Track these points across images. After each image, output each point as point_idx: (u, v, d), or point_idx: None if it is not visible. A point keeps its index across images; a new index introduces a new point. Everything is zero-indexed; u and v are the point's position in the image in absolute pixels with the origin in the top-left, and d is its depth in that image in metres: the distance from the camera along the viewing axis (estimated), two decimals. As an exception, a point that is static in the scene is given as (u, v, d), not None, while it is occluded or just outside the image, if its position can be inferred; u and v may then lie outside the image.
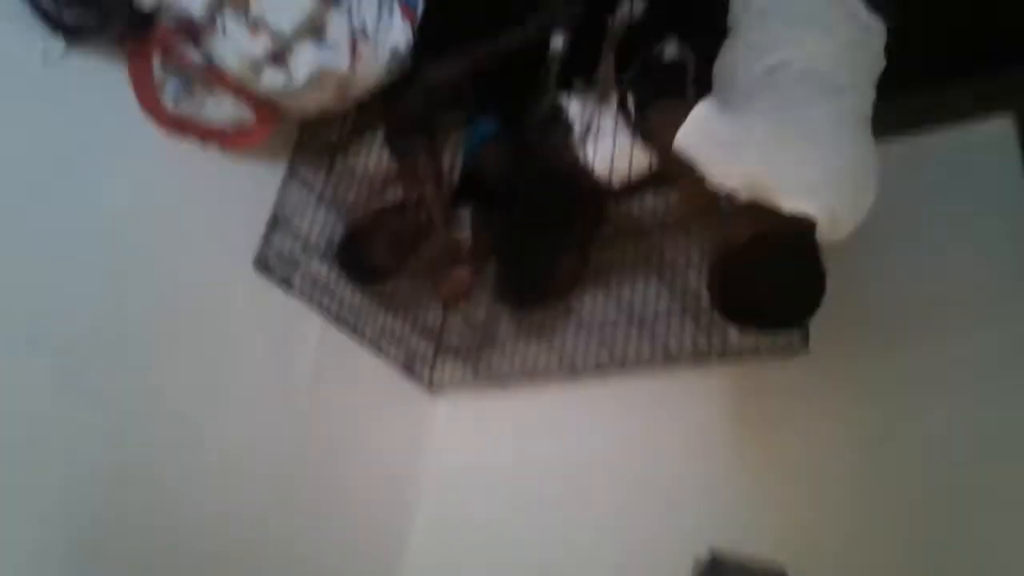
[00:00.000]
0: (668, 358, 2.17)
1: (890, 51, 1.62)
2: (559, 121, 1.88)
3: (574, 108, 1.91)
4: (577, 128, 1.88)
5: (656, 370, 2.19)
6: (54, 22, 1.69)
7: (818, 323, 1.96)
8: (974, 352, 1.89)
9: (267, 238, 2.07)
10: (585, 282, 2.28)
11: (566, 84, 1.96)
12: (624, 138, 1.82)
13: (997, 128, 2.12)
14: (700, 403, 2.14)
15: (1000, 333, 1.89)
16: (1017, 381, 1.83)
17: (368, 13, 1.80)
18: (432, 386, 2.48)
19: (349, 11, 1.77)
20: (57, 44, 1.71)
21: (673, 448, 2.13)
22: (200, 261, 1.94)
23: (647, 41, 1.85)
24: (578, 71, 1.96)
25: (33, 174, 1.66)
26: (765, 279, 1.50)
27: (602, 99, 1.90)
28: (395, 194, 2.14)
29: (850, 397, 1.98)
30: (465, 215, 2.13)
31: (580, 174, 1.88)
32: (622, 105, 1.81)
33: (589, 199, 2.04)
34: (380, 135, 2.10)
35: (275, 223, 2.09)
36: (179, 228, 1.91)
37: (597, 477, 2.18)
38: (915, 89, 2.04)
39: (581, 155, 1.85)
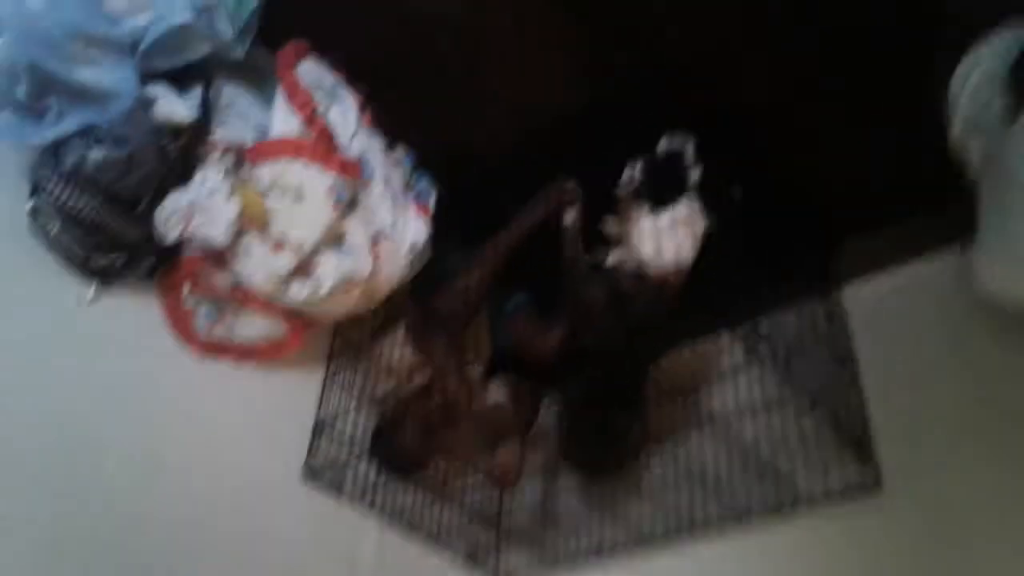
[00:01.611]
0: (738, 516, 2.08)
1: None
2: (599, 270, 1.89)
3: (610, 257, 1.92)
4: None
5: (728, 530, 2.09)
6: (84, 268, 1.75)
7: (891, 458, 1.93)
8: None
9: (313, 446, 2.05)
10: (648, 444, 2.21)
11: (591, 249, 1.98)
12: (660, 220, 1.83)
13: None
14: (776, 559, 2.01)
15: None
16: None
17: (384, 214, 1.85)
18: (500, 574, 2.37)
19: (366, 216, 1.82)
20: (89, 287, 1.77)
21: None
22: (247, 481, 1.92)
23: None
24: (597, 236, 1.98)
25: (78, 416, 1.68)
26: None
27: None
28: (420, 380, 2.12)
29: (928, 535, 1.85)
30: (499, 387, 2.10)
31: (641, 287, 1.86)
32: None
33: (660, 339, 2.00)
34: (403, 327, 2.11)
35: (320, 429, 2.08)
36: (223, 449, 1.91)
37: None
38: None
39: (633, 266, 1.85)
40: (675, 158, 1.90)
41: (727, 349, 2.04)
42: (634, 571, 2.21)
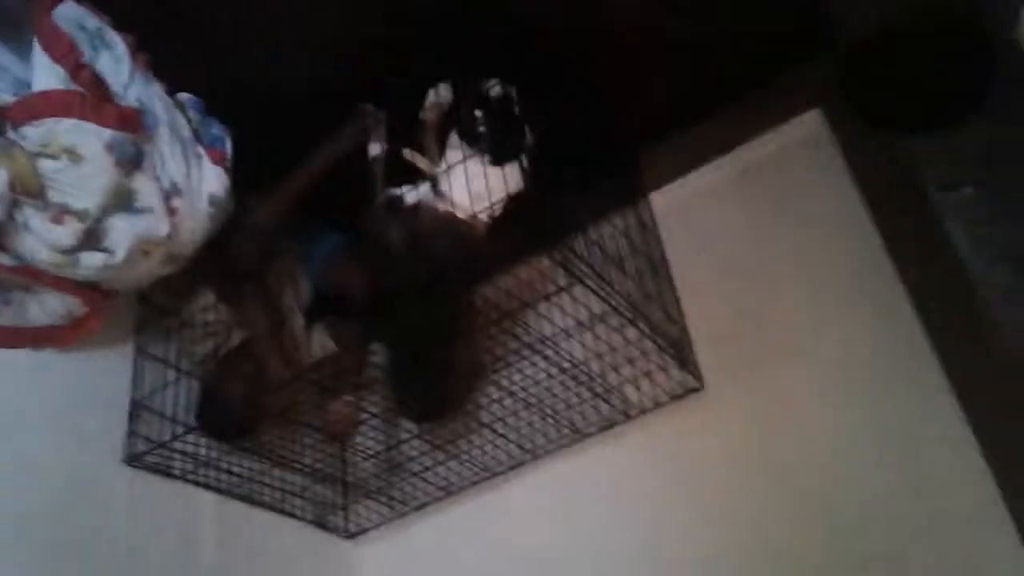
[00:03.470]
0: (577, 435, 2.14)
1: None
2: (400, 207, 1.84)
3: (411, 194, 1.89)
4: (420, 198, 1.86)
5: (568, 449, 2.14)
6: None
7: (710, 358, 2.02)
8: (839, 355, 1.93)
9: (132, 429, 1.93)
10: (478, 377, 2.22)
11: (398, 180, 1.94)
12: (473, 165, 1.81)
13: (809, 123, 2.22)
14: (615, 470, 2.11)
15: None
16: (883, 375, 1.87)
17: (176, 168, 1.72)
18: (350, 532, 2.33)
19: (154, 171, 1.68)
20: None
21: (600, 519, 2.08)
22: (65, 477, 1.78)
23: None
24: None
25: None
26: None
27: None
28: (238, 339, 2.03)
29: (750, 424, 1.98)
30: (322, 333, 2.04)
31: (442, 229, 1.83)
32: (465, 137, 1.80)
33: (462, 277, 1.98)
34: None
35: (137, 410, 1.95)
36: (33, 446, 1.75)
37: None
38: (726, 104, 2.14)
39: (437, 207, 1.82)
40: (508, 109, 1.88)
41: (548, 272, 2.05)
42: (483, 505, 2.25)
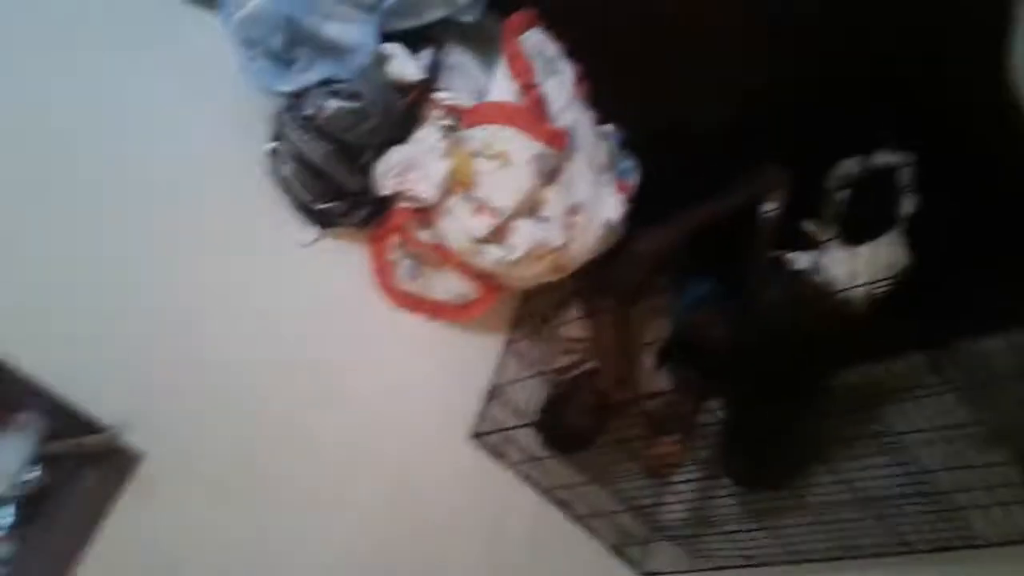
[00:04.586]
0: (905, 547, 1.99)
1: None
2: (782, 272, 1.86)
3: (800, 260, 1.90)
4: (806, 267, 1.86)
5: (891, 560, 2.00)
6: (309, 211, 1.92)
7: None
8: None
9: (485, 409, 2.15)
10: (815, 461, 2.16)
11: (786, 244, 1.96)
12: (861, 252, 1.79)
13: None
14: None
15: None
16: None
17: (583, 187, 1.91)
18: (645, 570, 2.37)
19: (566, 186, 1.88)
20: (312, 230, 1.93)
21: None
22: (419, 429, 2.03)
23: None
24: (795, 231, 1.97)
25: (276, 335, 1.84)
26: None
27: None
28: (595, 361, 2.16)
29: None
30: (668, 378, 2.11)
31: (819, 303, 1.83)
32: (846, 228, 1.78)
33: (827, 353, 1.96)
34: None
35: (493, 393, 2.17)
36: (400, 393, 2.02)
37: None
38: None
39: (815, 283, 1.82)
40: (886, 180, 1.85)
41: (919, 373, 1.95)
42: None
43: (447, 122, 1.87)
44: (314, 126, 1.82)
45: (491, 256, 1.91)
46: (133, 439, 1.54)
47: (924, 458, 1.95)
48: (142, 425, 1.55)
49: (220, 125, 1.85)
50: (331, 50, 1.76)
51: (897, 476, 1.97)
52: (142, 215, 1.69)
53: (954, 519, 1.93)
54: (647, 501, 2.38)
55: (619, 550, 2.35)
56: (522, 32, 1.84)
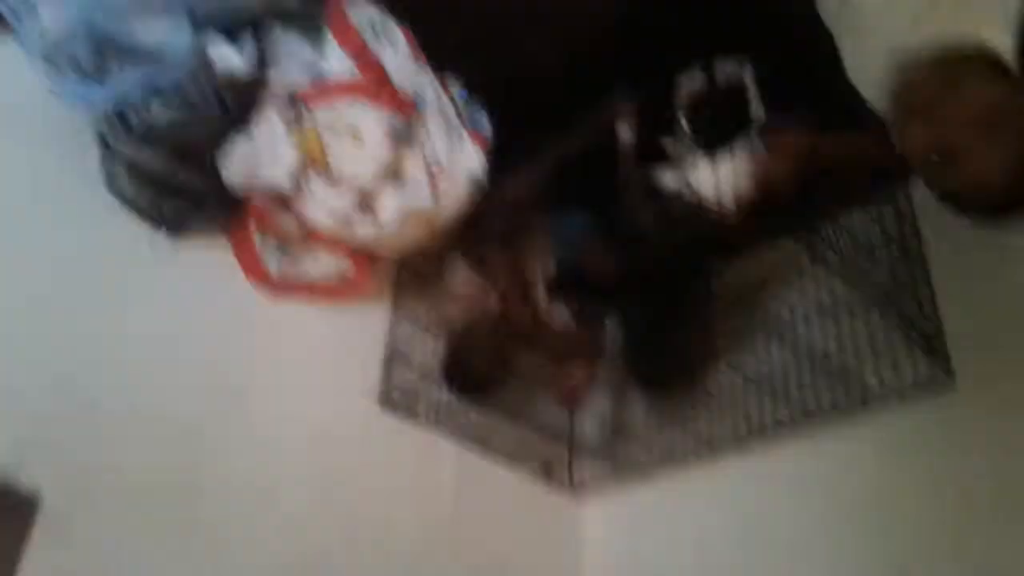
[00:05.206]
0: (808, 418, 2.09)
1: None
2: (654, 191, 1.89)
3: (666, 177, 1.93)
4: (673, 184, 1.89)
5: (797, 434, 2.12)
6: (154, 218, 1.81)
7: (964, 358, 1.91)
8: None
9: (386, 374, 2.13)
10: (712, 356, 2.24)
11: (648, 160, 1.98)
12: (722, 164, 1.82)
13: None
14: (848, 460, 2.03)
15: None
16: None
17: (440, 146, 1.87)
18: (574, 487, 2.45)
19: (422, 148, 1.84)
20: (162, 237, 1.82)
21: (826, 509, 2.04)
22: (329, 411, 2.01)
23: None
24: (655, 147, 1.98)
25: (160, 353, 1.76)
26: None
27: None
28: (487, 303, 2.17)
29: (999, 434, 1.83)
30: (563, 309, 2.14)
31: (692, 215, 1.87)
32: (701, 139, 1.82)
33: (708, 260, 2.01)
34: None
35: (391, 358, 2.15)
36: (301, 381, 1.98)
37: (751, 553, 2.11)
38: None
39: (685, 195, 1.85)
40: (731, 86, 1.87)
41: (792, 255, 2.03)
42: (705, 478, 2.27)
43: (286, 107, 1.78)
44: (143, 134, 1.70)
45: (363, 229, 1.87)
46: (26, 478, 1.46)
47: (811, 336, 2.04)
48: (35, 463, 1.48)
49: (43, 151, 1.71)
50: (145, 53, 1.64)
51: (788, 356, 2.05)
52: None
53: (850, 382, 2.02)
54: (565, 425, 2.45)
55: (547, 473, 2.41)
56: (345, 4, 1.76)
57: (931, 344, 1.94)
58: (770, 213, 1.85)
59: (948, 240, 2.03)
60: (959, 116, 1.34)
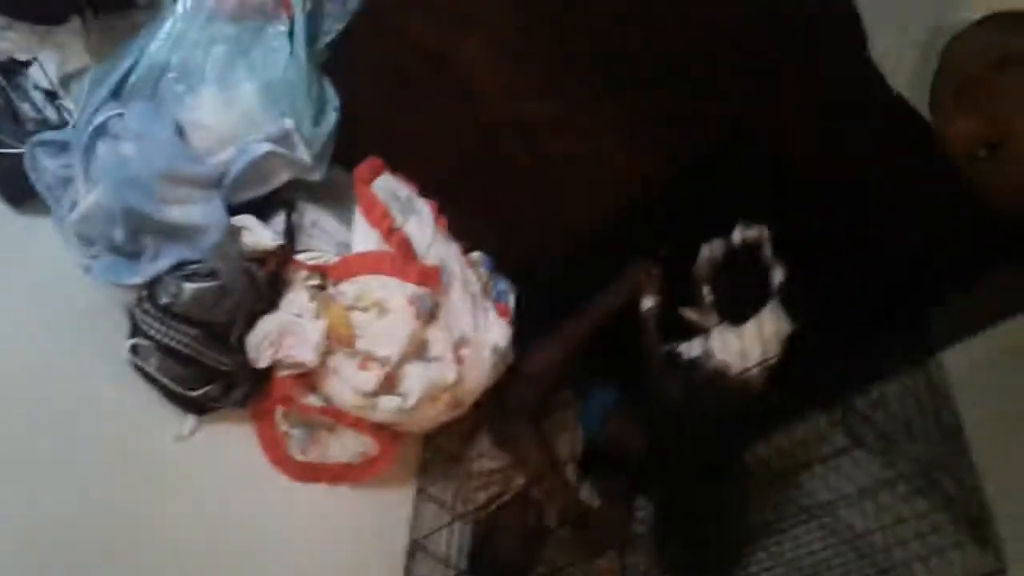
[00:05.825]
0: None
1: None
2: (678, 364, 1.86)
3: (691, 348, 1.90)
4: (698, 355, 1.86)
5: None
6: (183, 401, 1.80)
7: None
8: None
9: (408, 569, 2.03)
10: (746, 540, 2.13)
11: (671, 335, 1.96)
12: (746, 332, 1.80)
13: None
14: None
15: None
16: None
17: (465, 320, 1.87)
18: None
19: (447, 322, 1.84)
20: (188, 420, 1.80)
21: None
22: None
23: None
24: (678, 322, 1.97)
25: (183, 549, 1.70)
26: None
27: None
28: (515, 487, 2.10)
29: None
30: (592, 488, 2.07)
31: (719, 387, 1.83)
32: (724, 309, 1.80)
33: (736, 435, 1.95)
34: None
35: (414, 550, 2.05)
36: (322, 572, 1.89)
37: None
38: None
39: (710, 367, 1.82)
40: (751, 255, 1.90)
41: (826, 433, 1.96)
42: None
43: (314, 282, 1.81)
44: (173, 313, 1.72)
45: (386, 407, 1.84)
46: None
47: (851, 519, 1.93)
48: None
49: (73, 333, 1.72)
50: (178, 233, 1.68)
51: (829, 541, 1.93)
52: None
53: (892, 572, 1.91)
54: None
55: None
56: (372, 180, 1.82)
57: (979, 531, 1.83)
58: (798, 381, 1.82)
59: (987, 410, 1.97)
60: (1014, 101, 1.11)
